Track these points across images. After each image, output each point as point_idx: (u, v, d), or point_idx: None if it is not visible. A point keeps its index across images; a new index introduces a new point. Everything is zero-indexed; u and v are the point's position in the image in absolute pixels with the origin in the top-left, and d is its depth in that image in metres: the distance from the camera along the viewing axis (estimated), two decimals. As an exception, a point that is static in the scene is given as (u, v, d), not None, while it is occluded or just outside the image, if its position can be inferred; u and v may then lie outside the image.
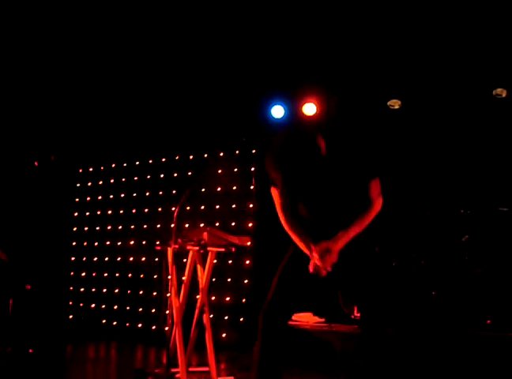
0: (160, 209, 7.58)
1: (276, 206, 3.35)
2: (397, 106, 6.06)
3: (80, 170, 8.45)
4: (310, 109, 6.46)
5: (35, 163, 7.08)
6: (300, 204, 3.30)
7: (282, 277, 3.28)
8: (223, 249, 4.92)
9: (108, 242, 8.03)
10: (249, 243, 5.15)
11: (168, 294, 5.02)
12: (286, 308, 3.23)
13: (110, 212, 8.08)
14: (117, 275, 7.84)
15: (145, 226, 7.67)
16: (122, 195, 8.00)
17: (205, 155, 7.32)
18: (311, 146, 3.30)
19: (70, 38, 6.54)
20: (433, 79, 5.85)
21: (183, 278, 5.17)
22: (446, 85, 5.81)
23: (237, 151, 7.06)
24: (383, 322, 3.10)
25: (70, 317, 8.09)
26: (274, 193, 3.34)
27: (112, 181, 8.14)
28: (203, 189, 7.24)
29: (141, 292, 7.57)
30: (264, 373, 3.16)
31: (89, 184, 8.36)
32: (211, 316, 5.20)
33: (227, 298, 6.78)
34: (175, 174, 7.54)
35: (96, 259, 8.11)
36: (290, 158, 3.30)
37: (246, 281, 6.74)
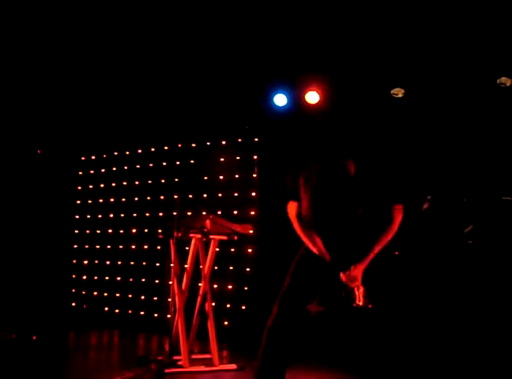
0: (162, 197, 7.58)
1: (291, 218, 3.57)
2: (400, 95, 6.03)
3: (83, 158, 8.44)
4: (312, 97, 6.49)
5: (38, 152, 7.08)
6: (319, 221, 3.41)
7: (296, 275, 3.45)
8: (225, 237, 4.93)
9: (111, 230, 8.04)
10: (251, 231, 5.16)
11: (171, 282, 5.03)
12: (299, 306, 3.39)
13: (112, 200, 8.08)
14: (119, 263, 7.85)
15: (148, 214, 7.68)
16: (125, 183, 8.00)
17: (208, 143, 7.31)
18: (339, 167, 3.39)
19: (68, 27, 6.51)
20: (437, 67, 5.82)
21: (186, 266, 5.18)
22: (450, 74, 5.78)
23: (239, 139, 7.05)
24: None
25: (73, 304, 8.11)
26: (291, 206, 3.56)
27: (114, 169, 8.13)
28: (206, 178, 7.23)
29: (143, 280, 7.58)
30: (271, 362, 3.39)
31: (92, 172, 8.35)
32: (213, 304, 5.21)
33: (230, 286, 6.79)
34: (178, 163, 7.53)
35: (98, 247, 8.12)
36: (317, 176, 3.43)
37: (248, 269, 6.75)
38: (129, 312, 7.63)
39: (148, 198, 7.73)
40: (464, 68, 5.69)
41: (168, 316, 5.09)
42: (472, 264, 5.20)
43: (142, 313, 7.50)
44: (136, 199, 7.85)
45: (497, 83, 5.56)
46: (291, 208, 3.56)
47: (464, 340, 4.89)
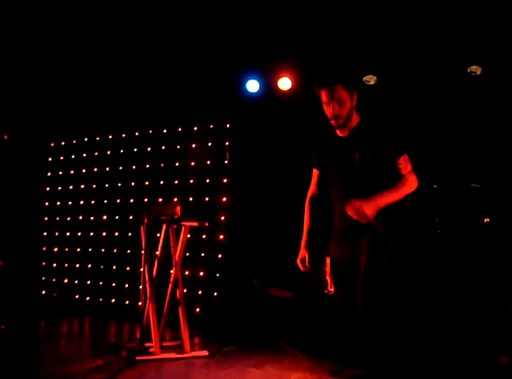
0: (133, 184, 7.52)
1: (311, 185, 3.85)
2: (372, 82, 6.05)
3: (52, 144, 8.32)
4: (285, 84, 6.47)
5: (5, 137, 6.95)
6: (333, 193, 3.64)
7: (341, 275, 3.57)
8: (196, 224, 4.91)
9: (81, 217, 7.95)
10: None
11: (142, 269, 5.00)
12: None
13: (82, 186, 7.99)
14: (90, 250, 7.78)
15: (118, 200, 7.61)
16: (95, 169, 7.91)
17: (179, 129, 7.26)
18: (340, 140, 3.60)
19: (35, 9, 6.38)
20: (408, 55, 5.84)
21: (157, 252, 5.16)
22: (422, 62, 5.80)
23: (211, 126, 7.01)
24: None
25: (43, 292, 8.03)
26: (314, 173, 3.83)
27: (85, 155, 8.04)
28: (177, 164, 7.19)
29: (114, 267, 7.53)
30: None
31: (61, 158, 8.24)
32: (184, 290, 5.20)
33: (201, 273, 6.78)
34: (149, 149, 7.47)
35: (68, 234, 8.04)
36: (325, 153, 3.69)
37: (219, 256, 6.74)
38: (100, 299, 7.57)
39: (119, 185, 7.66)
40: (436, 56, 5.72)
41: (139, 303, 5.06)
42: (441, 252, 5.26)
43: (113, 300, 7.45)
44: (106, 185, 7.78)
45: (468, 71, 5.60)
46: (313, 178, 3.84)
47: (434, 323, 4.96)
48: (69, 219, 8.07)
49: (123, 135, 7.72)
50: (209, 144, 7.01)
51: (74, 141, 8.14)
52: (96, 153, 7.93)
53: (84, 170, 8.02)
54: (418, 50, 5.79)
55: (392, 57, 5.93)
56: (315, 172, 3.80)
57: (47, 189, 8.31)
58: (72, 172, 8.13)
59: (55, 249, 8.10)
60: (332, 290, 4.36)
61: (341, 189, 3.53)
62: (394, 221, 3.51)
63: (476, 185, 5.29)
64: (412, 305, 5.13)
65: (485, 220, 5.15)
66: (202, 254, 6.82)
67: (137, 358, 4.57)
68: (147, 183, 7.35)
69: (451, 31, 5.57)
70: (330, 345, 4.83)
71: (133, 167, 7.56)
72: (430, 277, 5.19)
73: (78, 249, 7.90)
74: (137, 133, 7.61)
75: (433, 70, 5.76)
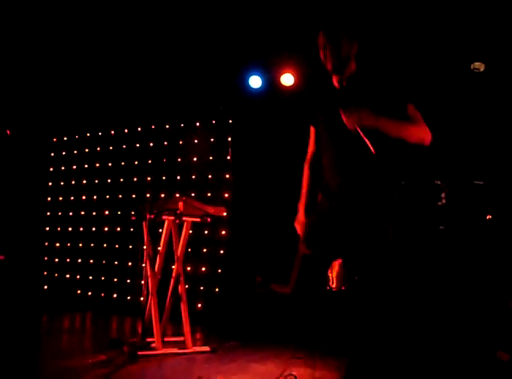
0: (135, 179, 7.52)
1: (309, 145, 3.54)
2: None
3: (55, 140, 8.33)
4: (287, 79, 6.47)
5: (8, 132, 6.95)
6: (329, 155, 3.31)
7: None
8: (198, 219, 4.91)
9: (83, 212, 7.96)
10: (225, 213, 5.15)
11: (144, 264, 5.00)
12: None
13: (85, 181, 8.00)
14: (92, 245, 7.80)
15: (121, 196, 7.62)
16: (97, 165, 7.92)
17: (182, 125, 7.26)
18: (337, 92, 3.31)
19: (39, 7, 6.37)
20: (411, 52, 5.83)
21: (159, 248, 5.16)
22: (424, 58, 5.79)
23: (213, 121, 7.01)
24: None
25: (45, 287, 8.05)
26: (312, 131, 3.52)
27: (87, 150, 8.05)
28: (179, 159, 7.19)
29: (116, 262, 7.54)
30: None
31: (64, 153, 8.25)
32: (186, 286, 5.20)
33: (203, 269, 6.79)
34: (151, 144, 7.47)
35: (70, 229, 8.05)
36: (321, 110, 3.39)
37: (221, 251, 6.75)
38: (102, 294, 7.59)
39: (121, 180, 7.67)
40: (439, 52, 5.71)
41: (141, 298, 5.07)
42: (444, 248, 5.26)
43: (115, 295, 7.47)
44: (109, 181, 7.79)
45: (471, 68, 5.59)
46: (311, 137, 3.53)
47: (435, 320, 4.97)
48: (71, 214, 8.09)
49: (126, 130, 7.73)
50: (212, 139, 7.01)
51: (77, 137, 8.16)
52: (99, 148, 7.94)
53: (86, 166, 8.03)
54: (421, 47, 5.77)
55: (394, 53, 5.91)
56: (312, 130, 3.52)
57: (50, 184, 8.33)
58: (74, 167, 8.14)
59: (57, 244, 8.12)
60: (334, 286, 4.31)
61: (334, 147, 3.23)
62: (392, 219, 3.31)
63: (478, 182, 5.28)
64: (413, 301, 5.13)
65: (487, 217, 5.15)
66: (204, 250, 6.83)
67: (139, 353, 4.57)
68: (149, 178, 7.35)
69: (454, 27, 5.56)
70: (332, 341, 4.83)
71: (136, 163, 7.57)
72: (431, 273, 5.19)
73: (80, 245, 7.91)
74: (139, 129, 7.62)
75: (436, 67, 5.74)
